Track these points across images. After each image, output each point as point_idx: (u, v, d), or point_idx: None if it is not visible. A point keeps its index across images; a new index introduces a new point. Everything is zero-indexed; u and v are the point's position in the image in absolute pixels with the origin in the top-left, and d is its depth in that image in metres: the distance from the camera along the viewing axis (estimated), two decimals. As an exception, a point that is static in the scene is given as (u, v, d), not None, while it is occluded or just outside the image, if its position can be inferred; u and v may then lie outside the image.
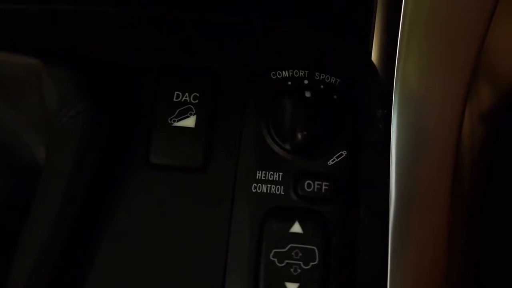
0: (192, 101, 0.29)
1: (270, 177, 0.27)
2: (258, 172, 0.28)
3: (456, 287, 0.28)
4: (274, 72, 0.29)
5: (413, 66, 0.26)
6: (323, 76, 0.29)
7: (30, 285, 0.27)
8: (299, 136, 0.27)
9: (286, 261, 0.26)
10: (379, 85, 0.29)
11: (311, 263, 0.26)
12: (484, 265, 0.30)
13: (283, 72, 0.29)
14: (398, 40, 0.26)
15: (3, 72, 0.31)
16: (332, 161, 0.28)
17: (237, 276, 0.27)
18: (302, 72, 0.29)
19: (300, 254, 0.26)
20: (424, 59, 0.26)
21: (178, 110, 0.29)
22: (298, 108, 0.28)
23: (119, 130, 0.30)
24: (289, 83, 0.29)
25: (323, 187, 0.27)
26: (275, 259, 0.26)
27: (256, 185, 0.27)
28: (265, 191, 0.27)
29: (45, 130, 0.31)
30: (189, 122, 0.29)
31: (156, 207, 0.28)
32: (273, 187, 0.27)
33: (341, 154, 0.28)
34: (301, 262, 0.26)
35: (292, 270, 0.26)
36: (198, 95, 0.29)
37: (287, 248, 0.26)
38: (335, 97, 0.29)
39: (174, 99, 0.29)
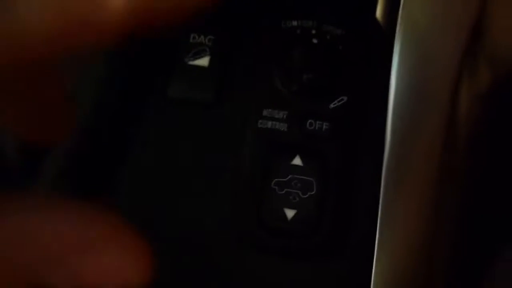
0: (207, 43, 0.31)
1: (276, 115, 0.30)
2: (264, 109, 0.30)
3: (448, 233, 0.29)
4: (284, 22, 0.31)
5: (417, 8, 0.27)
6: (330, 27, 0.31)
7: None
8: (305, 78, 0.29)
9: (286, 189, 0.29)
10: (381, 40, 0.31)
11: (309, 193, 0.28)
12: (475, 230, 0.31)
13: (293, 21, 0.31)
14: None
15: None
16: (334, 104, 0.30)
17: (243, 201, 0.29)
18: (310, 23, 0.31)
19: (299, 185, 0.28)
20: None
21: (194, 51, 0.31)
22: (305, 54, 0.30)
23: (141, 68, 0.32)
24: (298, 31, 0.31)
25: (324, 126, 0.29)
26: (276, 187, 0.29)
27: (262, 121, 0.30)
28: (270, 127, 0.30)
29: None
30: (203, 61, 0.31)
31: (172, 136, 0.31)
32: (278, 124, 0.30)
33: (342, 99, 0.30)
34: (299, 192, 0.28)
35: (291, 198, 0.28)
36: (213, 37, 0.31)
37: (287, 178, 0.29)
38: (340, 47, 0.31)
39: (191, 41, 0.31)
